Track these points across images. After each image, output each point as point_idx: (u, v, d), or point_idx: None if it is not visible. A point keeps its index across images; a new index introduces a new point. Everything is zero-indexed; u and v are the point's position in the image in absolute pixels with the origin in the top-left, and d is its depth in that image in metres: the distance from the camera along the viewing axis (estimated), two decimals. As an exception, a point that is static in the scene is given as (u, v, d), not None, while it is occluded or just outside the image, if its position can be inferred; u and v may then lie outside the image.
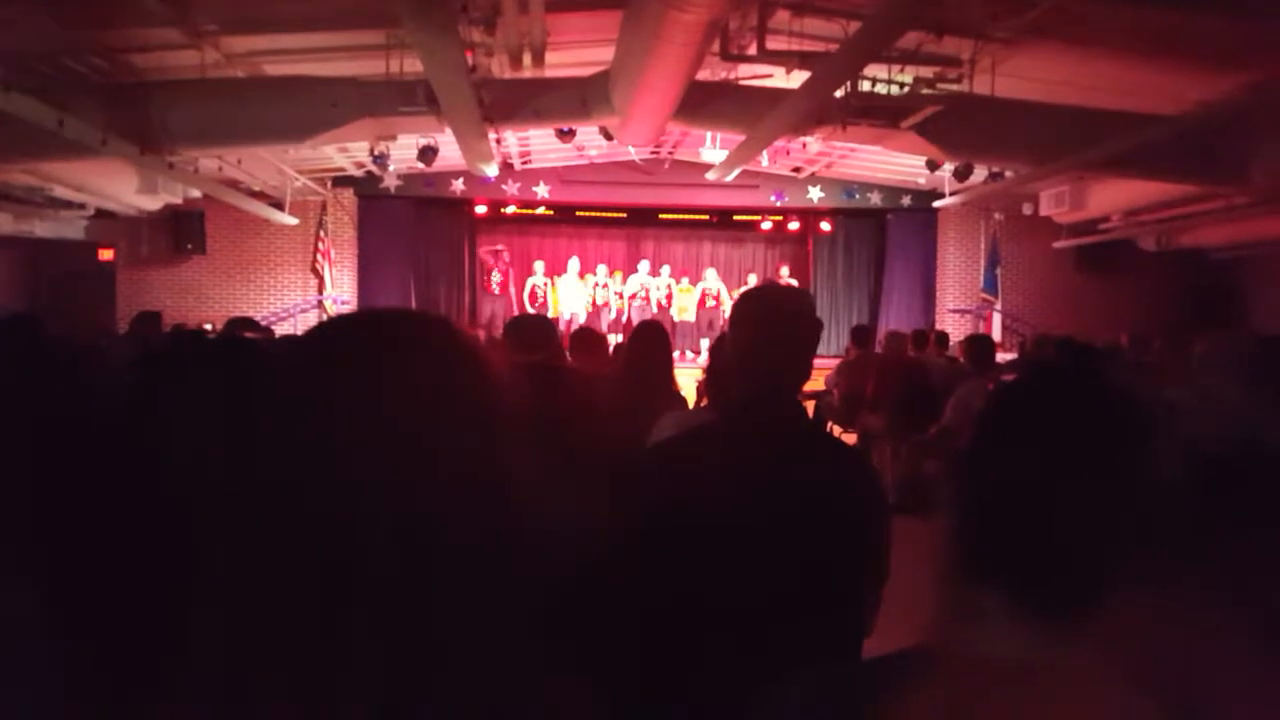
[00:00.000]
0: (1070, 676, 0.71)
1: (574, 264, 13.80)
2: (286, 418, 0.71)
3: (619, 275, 13.90)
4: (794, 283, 13.39)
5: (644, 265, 13.96)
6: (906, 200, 13.49)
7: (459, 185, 12.91)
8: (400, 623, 0.67)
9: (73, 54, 6.47)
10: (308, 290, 13.05)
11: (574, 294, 13.51)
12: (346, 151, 10.87)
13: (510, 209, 13.76)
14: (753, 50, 6.87)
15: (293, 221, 12.02)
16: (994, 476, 0.76)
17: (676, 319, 13.53)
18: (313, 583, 0.67)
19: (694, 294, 13.76)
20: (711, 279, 13.90)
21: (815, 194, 13.53)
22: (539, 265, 13.66)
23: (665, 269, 13.95)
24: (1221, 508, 0.81)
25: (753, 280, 13.85)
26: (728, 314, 12.76)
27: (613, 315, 13.53)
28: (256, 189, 11.14)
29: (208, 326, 9.45)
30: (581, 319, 12.83)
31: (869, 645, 1.58)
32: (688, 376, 4.82)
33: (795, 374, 1.70)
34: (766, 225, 14.52)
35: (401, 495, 0.68)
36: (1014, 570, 0.73)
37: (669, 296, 13.72)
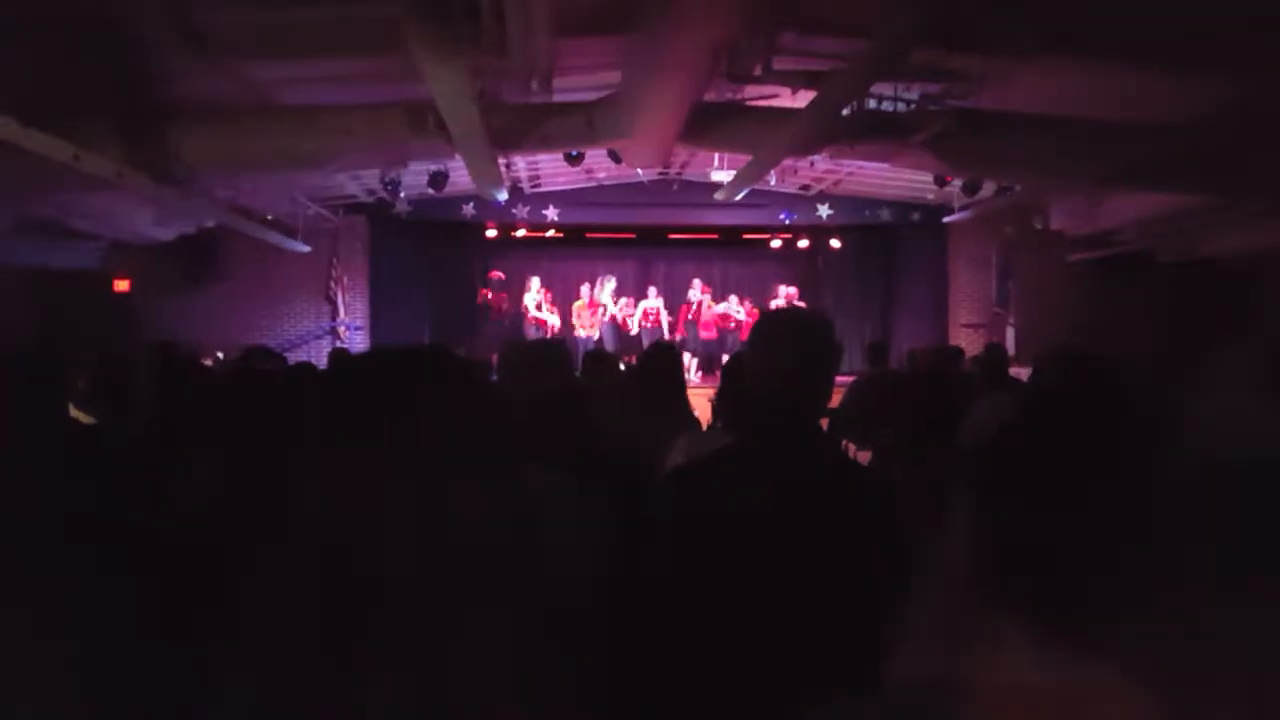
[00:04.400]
0: (1092, 701, 0.70)
1: (584, 286, 13.82)
2: (303, 454, 0.72)
3: (624, 301, 13.79)
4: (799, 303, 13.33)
5: (653, 291, 13.94)
6: (916, 216, 13.48)
7: (469, 209, 12.98)
8: (423, 645, 0.68)
9: (88, 85, 6.56)
10: (321, 317, 13.13)
11: (586, 315, 13.51)
12: (358, 178, 10.97)
13: (520, 232, 13.82)
14: (759, 71, 6.91)
15: (305, 249, 12.12)
16: (1012, 503, 0.75)
17: (706, 322, 13.45)
18: (334, 613, 0.67)
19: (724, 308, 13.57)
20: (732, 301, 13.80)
21: (824, 211, 13.53)
22: (534, 281, 13.62)
23: (697, 282, 13.83)
24: (1244, 522, 0.80)
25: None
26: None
27: (632, 331, 13.46)
28: (270, 217, 11.24)
29: (219, 355, 9.52)
30: (594, 341, 12.83)
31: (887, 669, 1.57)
32: (700, 396, 4.81)
33: (815, 397, 1.70)
34: (776, 244, 14.53)
35: (418, 526, 0.69)
36: (1033, 595, 0.73)
37: (698, 310, 13.56)
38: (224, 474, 1.39)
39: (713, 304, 13.61)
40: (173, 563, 1.28)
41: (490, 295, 13.61)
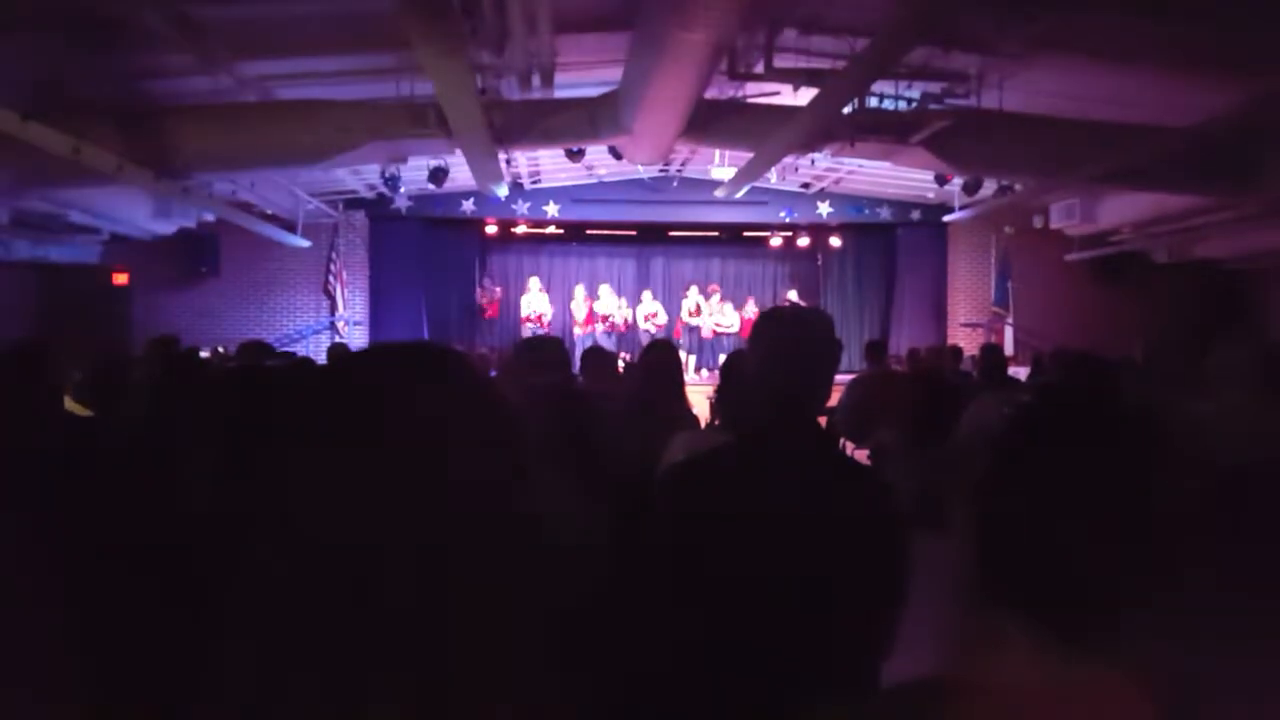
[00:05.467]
0: (1093, 701, 0.70)
1: (581, 284, 13.81)
2: (302, 450, 0.72)
3: (624, 301, 13.77)
4: (801, 303, 13.33)
5: (647, 295, 13.92)
6: (916, 215, 13.48)
7: (469, 205, 12.98)
8: (423, 645, 0.68)
9: (88, 80, 6.55)
10: (320, 312, 13.12)
11: (583, 317, 13.48)
12: (358, 174, 10.97)
13: (520, 228, 13.82)
14: (760, 68, 6.90)
15: (305, 244, 12.10)
16: (1012, 503, 0.75)
17: (705, 334, 13.42)
18: (334, 610, 0.67)
19: (729, 314, 13.54)
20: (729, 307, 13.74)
21: (824, 209, 13.53)
22: (534, 282, 13.59)
23: (694, 289, 13.81)
24: (1241, 523, 0.80)
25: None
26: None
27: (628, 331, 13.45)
28: (269, 212, 11.24)
29: (220, 349, 9.50)
30: (592, 339, 12.81)
31: (886, 668, 1.57)
32: (699, 394, 4.81)
33: (814, 396, 1.69)
34: (776, 241, 14.52)
35: (418, 523, 0.69)
36: (1035, 596, 0.73)
37: (696, 312, 13.52)
38: (221, 470, 1.38)
39: (717, 306, 13.57)
40: (170, 561, 1.28)
41: (487, 294, 13.62)
